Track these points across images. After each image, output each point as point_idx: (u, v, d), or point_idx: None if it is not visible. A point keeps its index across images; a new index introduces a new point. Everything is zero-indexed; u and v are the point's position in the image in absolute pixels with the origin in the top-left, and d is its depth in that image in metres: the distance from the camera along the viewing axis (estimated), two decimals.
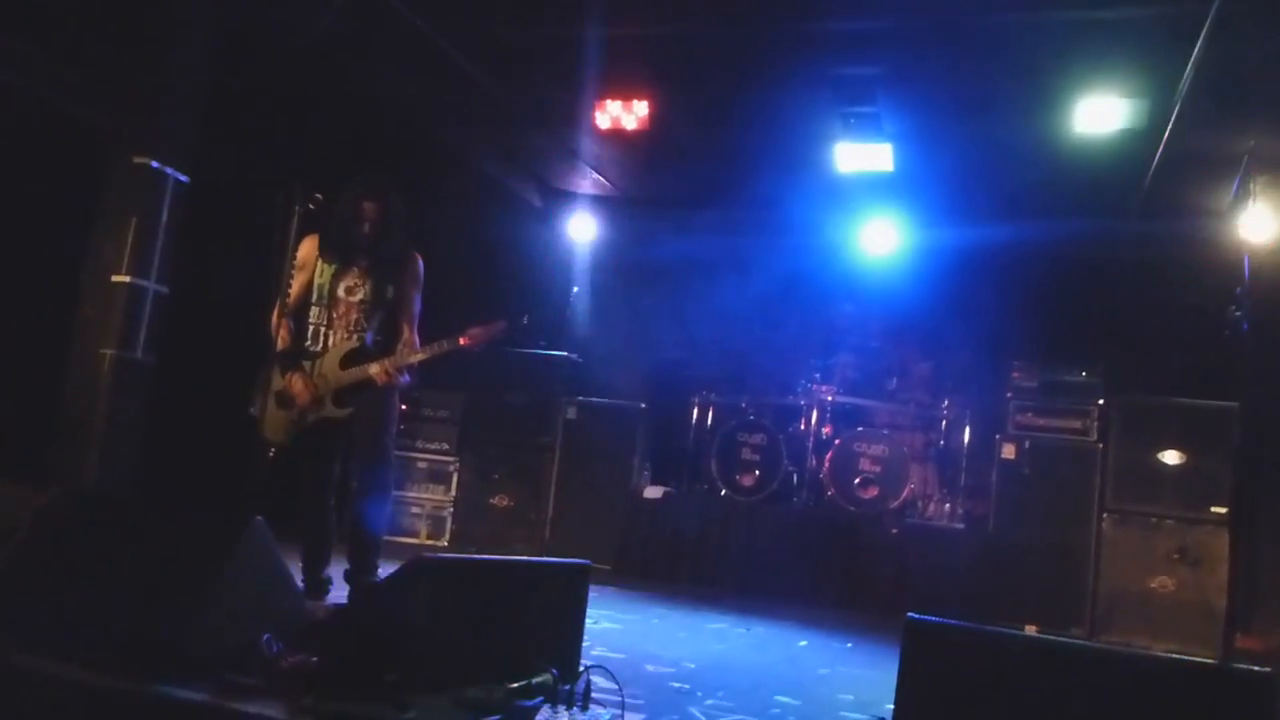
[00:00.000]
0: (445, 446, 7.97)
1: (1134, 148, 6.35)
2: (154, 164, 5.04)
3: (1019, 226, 7.73)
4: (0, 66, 5.40)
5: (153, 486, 5.41)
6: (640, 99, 6.66)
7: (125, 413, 4.97)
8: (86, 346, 4.98)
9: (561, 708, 2.74)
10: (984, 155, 7.01)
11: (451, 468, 7.93)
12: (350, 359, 4.27)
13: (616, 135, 6.82)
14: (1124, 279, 7.69)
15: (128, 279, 4.96)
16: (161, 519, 3.14)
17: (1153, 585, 6.22)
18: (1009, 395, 6.99)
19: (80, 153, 5.43)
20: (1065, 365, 6.97)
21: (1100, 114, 5.97)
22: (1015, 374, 7.05)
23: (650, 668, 3.79)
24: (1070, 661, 2.48)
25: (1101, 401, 6.72)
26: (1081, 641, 4.95)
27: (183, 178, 5.18)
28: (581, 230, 8.98)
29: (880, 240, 8.08)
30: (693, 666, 3.93)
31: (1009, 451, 6.77)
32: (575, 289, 8.66)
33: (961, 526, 7.26)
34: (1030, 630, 5.85)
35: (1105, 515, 6.43)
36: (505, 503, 7.80)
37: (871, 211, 8.00)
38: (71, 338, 5.05)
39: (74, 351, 5.02)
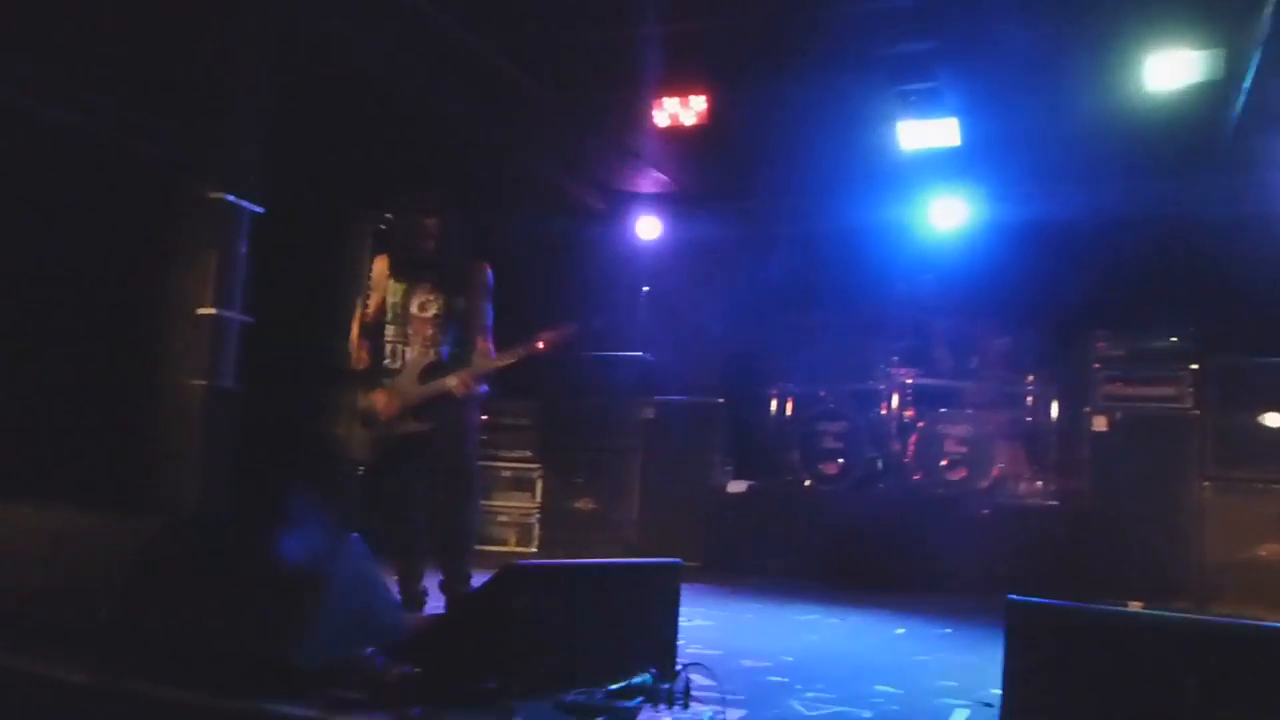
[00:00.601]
0: (527, 454, 8.05)
1: (1212, 101, 6.14)
2: (229, 198, 5.19)
3: (1093, 191, 7.53)
4: (77, 115, 5.63)
5: (248, 510, 5.57)
6: (697, 94, 6.65)
7: (219, 440, 5.12)
8: (177, 378, 5.14)
9: (662, 707, 2.75)
10: (1052, 121, 6.83)
11: (534, 474, 8.00)
12: (428, 373, 4.33)
13: (675, 132, 6.82)
14: (1209, 237, 7.41)
15: (213, 311, 5.11)
16: (261, 541, 3.23)
17: (1261, 553, 6.00)
18: (1096, 366, 6.80)
19: (157, 192, 5.61)
20: (1153, 331, 6.76)
21: (1172, 69, 5.79)
22: (1100, 344, 6.86)
23: (747, 663, 3.78)
24: (1184, 636, 2.41)
25: (1195, 366, 6.51)
26: (1194, 615, 4.80)
27: (257, 209, 5.32)
28: (646, 229, 8.99)
29: (949, 216, 7.94)
30: (790, 660, 3.91)
31: (1100, 424, 6.60)
32: (644, 288, 8.67)
33: (1055, 503, 7.10)
34: (1134, 606, 5.69)
35: (1206, 483, 6.23)
36: (590, 506, 7.85)
37: (939, 188, 7.87)
38: (160, 370, 5.22)
39: (165, 384, 5.19)
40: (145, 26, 5.25)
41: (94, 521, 3.50)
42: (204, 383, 5.08)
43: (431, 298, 4.42)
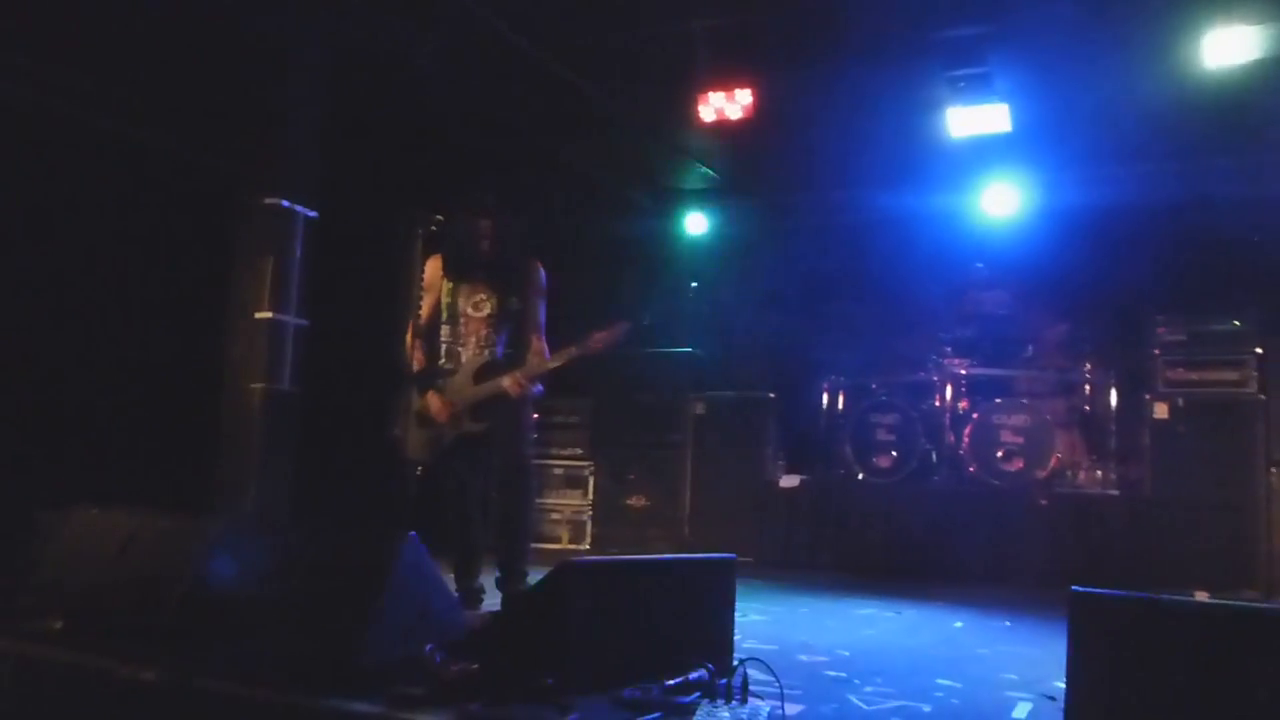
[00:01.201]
0: (579, 451, 8.09)
1: (1273, 76, 5.97)
2: (284, 203, 5.28)
3: (1149, 172, 7.38)
4: (140, 127, 5.76)
5: (307, 511, 5.67)
6: (742, 87, 6.62)
7: (278, 442, 5.22)
8: (237, 381, 5.24)
9: (720, 702, 2.75)
10: (1107, 102, 6.70)
11: (587, 472, 8.04)
12: (483, 373, 4.37)
13: (721, 126, 6.80)
14: (1271, 216, 7.22)
15: (270, 315, 5.21)
16: (323, 541, 3.29)
17: None
18: (1155, 352, 6.67)
19: (217, 199, 5.73)
20: (1214, 314, 6.60)
21: (1232, 45, 5.65)
22: (1160, 329, 6.72)
23: (804, 657, 3.76)
24: (1252, 627, 2.35)
25: (1259, 349, 6.35)
26: (1262, 605, 4.69)
27: (312, 213, 5.40)
28: (694, 225, 8.99)
29: (1002, 203, 7.82)
30: (847, 654, 3.88)
31: (1161, 410, 6.46)
32: (693, 284, 8.66)
33: (1116, 493, 6.96)
34: (1200, 596, 5.57)
35: (1274, 469, 6.07)
36: (642, 503, 7.86)
37: (990, 174, 7.76)
38: (221, 374, 5.33)
39: (225, 386, 5.30)
40: (204, 40, 5.36)
41: (160, 522, 3.59)
42: (262, 385, 5.18)
43: (485, 298, 4.45)
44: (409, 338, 4.26)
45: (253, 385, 5.19)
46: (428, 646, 2.89)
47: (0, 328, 5.37)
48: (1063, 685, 2.54)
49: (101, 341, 5.83)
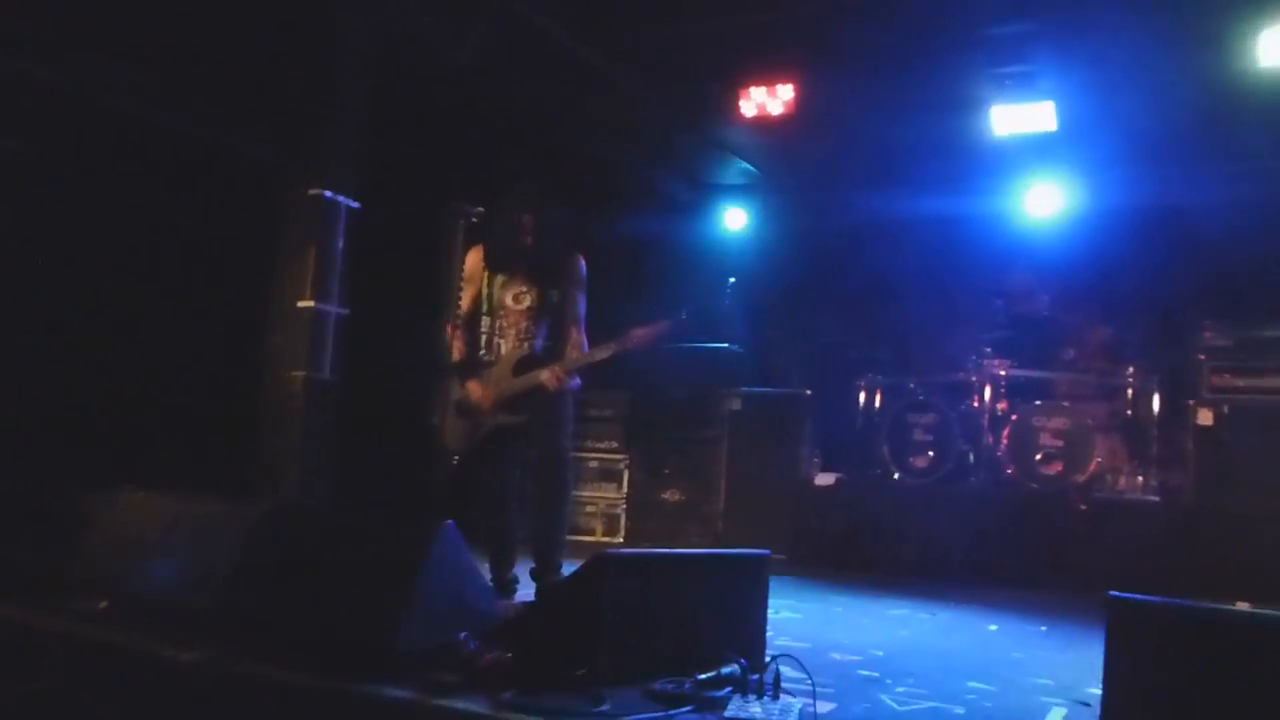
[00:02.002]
0: (614, 445, 8.11)
1: None
2: (327, 194, 5.34)
3: (1197, 174, 7.25)
4: (186, 118, 5.86)
5: (346, 497, 5.74)
6: (784, 82, 6.59)
7: (318, 429, 5.29)
8: (279, 369, 5.32)
9: (751, 697, 2.75)
10: (1155, 102, 6.59)
11: (622, 465, 8.06)
12: (522, 366, 4.39)
13: (762, 122, 6.78)
14: None
15: (312, 304, 5.28)
16: (361, 528, 3.33)
17: None
18: (1201, 357, 6.55)
19: (260, 190, 5.82)
20: (1264, 319, 6.47)
21: None
22: (1206, 333, 6.60)
23: (836, 656, 3.75)
24: None
25: None
26: None
27: (354, 204, 5.47)
28: (733, 220, 8.97)
29: (1045, 203, 7.73)
30: (880, 654, 3.87)
31: (1205, 417, 6.35)
32: (731, 280, 8.64)
33: (1157, 499, 6.86)
34: (1241, 606, 5.47)
35: None
36: (676, 497, 7.87)
37: (1034, 174, 7.67)
38: (263, 361, 5.41)
39: (267, 374, 5.38)
40: (249, 33, 5.44)
41: (204, 507, 3.65)
42: (303, 374, 5.25)
43: (525, 290, 4.48)
44: (449, 328, 4.29)
45: (294, 373, 5.26)
46: (462, 634, 2.92)
47: (51, 316, 5.50)
48: (1098, 692, 2.52)
49: (148, 329, 5.94)
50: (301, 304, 5.30)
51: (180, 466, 5.15)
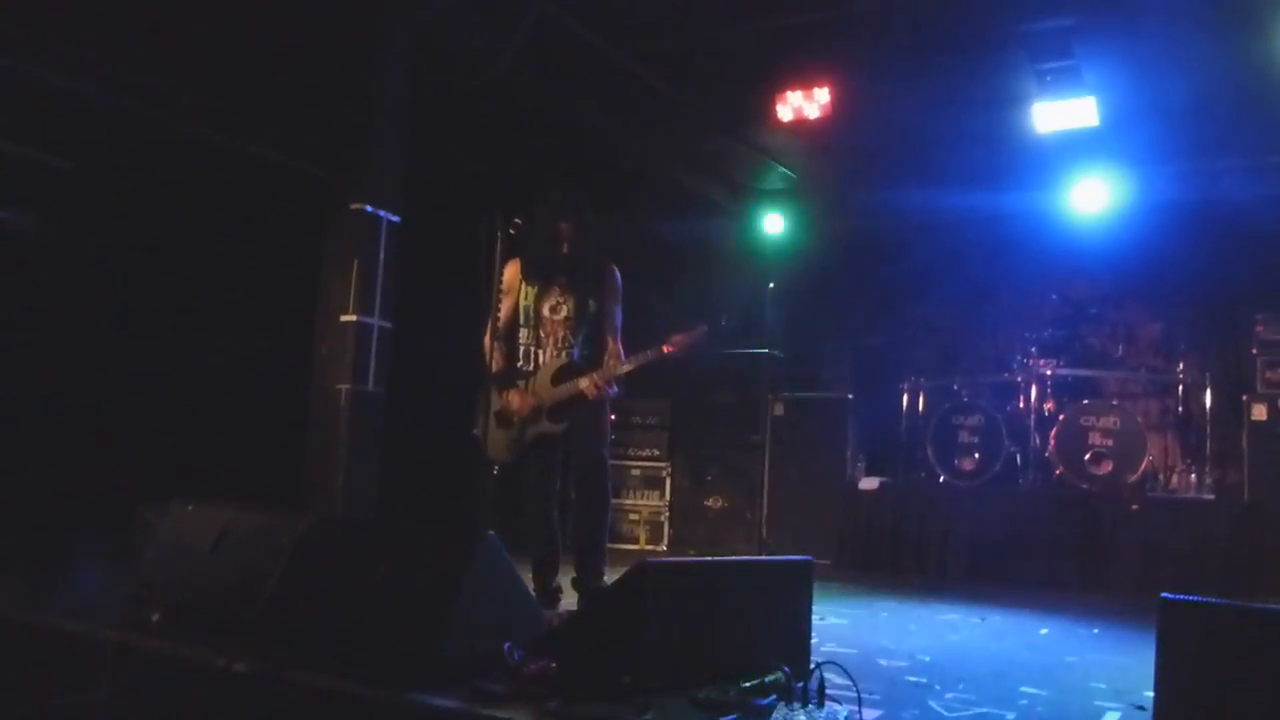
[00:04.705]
0: (656, 452, 8.12)
1: None
2: (369, 209, 5.41)
3: (1247, 166, 7.10)
4: (227, 134, 5.98)
5: (391, 508, 5.80)
6: (821, 86, 6.57)
7: (362, 441, 5.35)
8: (324, 382, 5.39)
9: (797, 705, 2.73)
10: (1202, 92, 6.46)
11: (664, 473, 8.06)
12: (561, 375, 4.41)
13: (799, 126, 6.76)
14: None
15: (355, 318, 5.34)
16: (406, 539, 3.36)
17: None
18: (1254, 351, 6.43)
19: (304, 205, 5.92)
20: None
21: None
22: (1259, 328, 6.48)
23: (883, 662, 3.72)
24: None
25: None
26: None
27: (395, 218, 5.53)
28: (772, 224, 8.94)
29: (1091, 199, 7.61)
30: (928, 659, 3.83)
31: (1260, 412, 6.23)
32: (771, 285, 8.62)
33: (1211, 497, 6.73)
34: None
35: None
36: (720, 504, 7.86)
37: (1078, 170, 7.56)
38: (308, 375, 5.49)
39: (313, 387, 5.46)
40: (291, 49, 5.53)
41: (252, 518, 3.71)
42: (348, 386, 5.31)
43: (563, 300, 4.50)
44: (487, 339, 4.32)
45: (339, 386, 5.33)
46: (506, 644, 2.93)
47: (102, 330, 5.63)
48: (1152, 695, 2.47)
49: (196, 344, 6.06)
50: (345, 318, 5.36)
51: (229, 479, 5.25)
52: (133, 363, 5.75)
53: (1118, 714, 3.04)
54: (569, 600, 4.44)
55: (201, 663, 3.06)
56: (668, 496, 8.03)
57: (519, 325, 4.51)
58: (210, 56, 5.56)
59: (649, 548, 7.90)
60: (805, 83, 6.59)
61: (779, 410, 7.78)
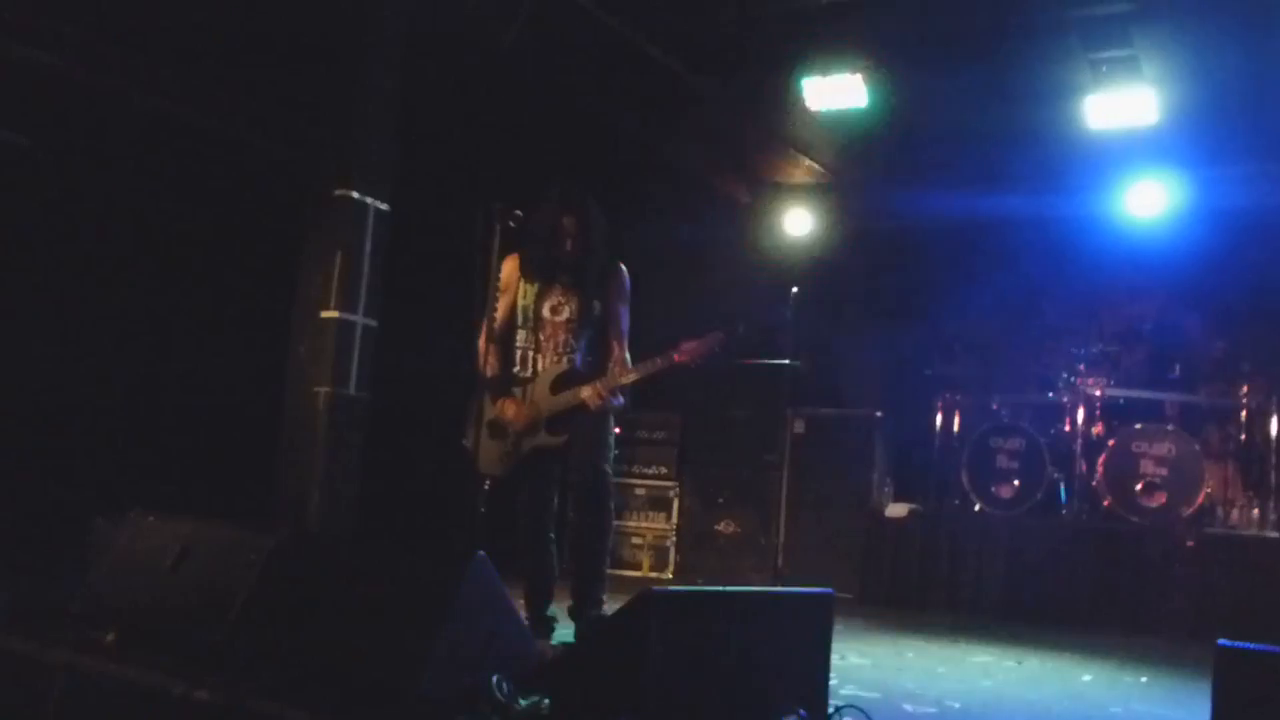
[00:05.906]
0: (664, 470, 8.12)
1: None
2: (355, 195, 5.41)
3: None
4: (202, 111, 5.98)
5: (372, 523, 5.80)
6: (854, 71, 6.58)
7: (344, 450, 5.36)
8: (301, 385, 5.40)
9: None
10: (1271, 90, 6.45)
11: (672, 493, 8.06)
12: (560, 383, 4.41)
13: (830, 116, 6.77)
14: None
15: (336, 314, 5.35)
16: (385, 559, 3.36)
17: None
18: None
19: (282, 189, 5.92)
20: None
21: None
22: None
23: (909, 708, 3.72)
24: None
25: None
26: None
27: (384, 206, 5.53)
28: (796, 224, 8.94)
29: (1147, 204, 7.60)
30: (957, 706, 3.83)
31: None
32: (794, 290, 8.61)
33: (1275, 535, 6.73)
34: None
35: None
36: (732, 529, 7.85)
37: (1134, 171, 7.55)
38: (284, 376, 5.49)
39: (289, 390, 5.46)
40: (279, 29, 5.54)
41: (217, 533, 3.70)
42: (328, 389, 5.32)
43: (565, 301, 4.49)
44: (482, 341, 4.31)
45: (317, 389, 5.33)
46: (494, 677, 2.93)
47: (56, 325, 5.63)
48: None
49: (160, 341, 6.07)
50: (326, 314, 5.37)
51: (194, 489, 5.24)
52: (90, 360, 5.75)
53: None
54: (565, 630, 4.44)
55: (159, 689, 3.05)
56: (675, 519, 8.03)
57: (516, 327, 4.51)
58: (180, 29, 5.57)
59: (653, 575, 7.90)
60: (837, 67, 6.60)
61: (799, 427, 7.78)
